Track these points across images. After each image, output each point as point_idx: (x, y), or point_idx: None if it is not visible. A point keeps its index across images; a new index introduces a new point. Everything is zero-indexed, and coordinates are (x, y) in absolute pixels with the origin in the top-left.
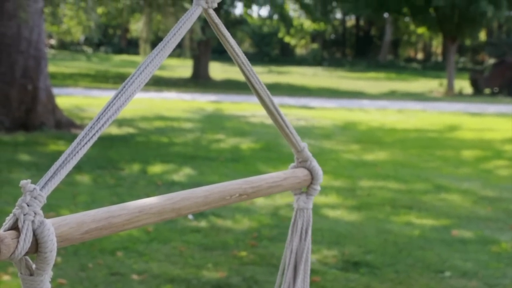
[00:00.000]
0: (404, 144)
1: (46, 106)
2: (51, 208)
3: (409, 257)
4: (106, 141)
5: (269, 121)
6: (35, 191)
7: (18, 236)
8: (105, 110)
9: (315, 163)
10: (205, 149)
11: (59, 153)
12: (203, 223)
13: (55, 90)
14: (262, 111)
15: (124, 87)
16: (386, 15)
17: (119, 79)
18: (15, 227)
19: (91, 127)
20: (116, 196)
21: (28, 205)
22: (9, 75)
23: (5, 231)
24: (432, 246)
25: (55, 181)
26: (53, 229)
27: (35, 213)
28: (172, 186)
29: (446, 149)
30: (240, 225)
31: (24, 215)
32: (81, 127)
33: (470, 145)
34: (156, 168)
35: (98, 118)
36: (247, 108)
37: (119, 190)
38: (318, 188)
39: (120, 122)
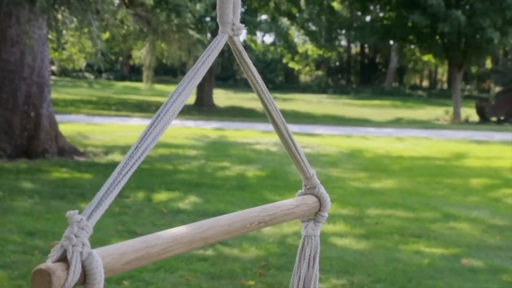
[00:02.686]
0: (411, 172)
1: (49, 133)
2: (55, 236)
3: (419, 286)
4: (110, 169)
5: (274, 148)
6: (82, 222)
7: (68, 268)
8: (142, 139)
9: (323, 190)
10: (210, 176)
11: (62, 181)
12: (210, 252)
13: (57, 117)
14: (266, 138)
15: (159, 115)
16: (391, 42)
17: (121, 106)
18: (62, 258)
19: (130, 156)
20: (121, 224)
21: (76, 236)
22: (11, 101)
23: (53, 262)
24: (442, 275)
25: (100, 211)
26: (101, 260)
27: (83, 244)
28: (177, 214)
29: (454, 177)
30: (247, 253)
31: (73, 246)
32: (84, 154)
33: (477, 173)
34: (161, 196)
35: (136, 147)
36: (251, 135)
37: (124, 218)
38: (326, 215)
39: (124, 149)
